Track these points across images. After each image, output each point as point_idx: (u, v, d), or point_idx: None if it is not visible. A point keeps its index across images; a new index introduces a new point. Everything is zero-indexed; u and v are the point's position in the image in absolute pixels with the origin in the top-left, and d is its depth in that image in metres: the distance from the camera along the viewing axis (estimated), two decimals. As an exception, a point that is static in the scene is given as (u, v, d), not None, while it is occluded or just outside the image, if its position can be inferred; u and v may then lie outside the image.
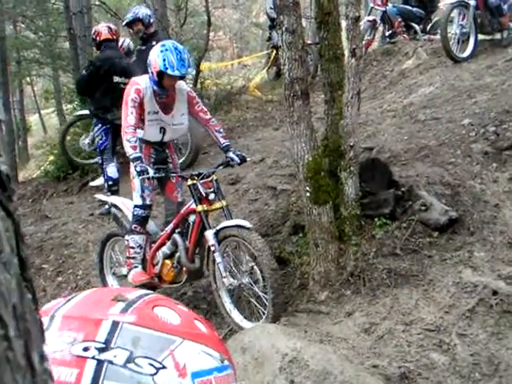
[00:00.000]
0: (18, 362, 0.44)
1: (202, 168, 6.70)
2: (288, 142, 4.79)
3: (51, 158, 9.99)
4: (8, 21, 16.30)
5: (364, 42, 9.50)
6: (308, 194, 4.39)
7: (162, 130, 4.69)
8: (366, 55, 9.90)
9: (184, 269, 4.67)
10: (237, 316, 4.42)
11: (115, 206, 5.17)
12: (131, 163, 4.45)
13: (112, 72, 7.32)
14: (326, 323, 3.94)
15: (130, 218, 4.83)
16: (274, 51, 11.71)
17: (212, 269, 4.47)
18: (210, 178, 4.47)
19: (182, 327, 0.82)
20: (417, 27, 10.14)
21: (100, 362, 0.75)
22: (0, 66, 13.47)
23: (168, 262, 4.77)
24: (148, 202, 4.74)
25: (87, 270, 6.20)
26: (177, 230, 4.68)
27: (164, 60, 4.39)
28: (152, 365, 0.76)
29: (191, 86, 9.87)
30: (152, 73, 4.48)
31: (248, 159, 4.97)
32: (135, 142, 4.41)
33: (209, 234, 4.34)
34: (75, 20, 10.51)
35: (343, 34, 4.74)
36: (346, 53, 4.56)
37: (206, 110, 4.89)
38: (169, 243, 4.74)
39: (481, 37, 8.49)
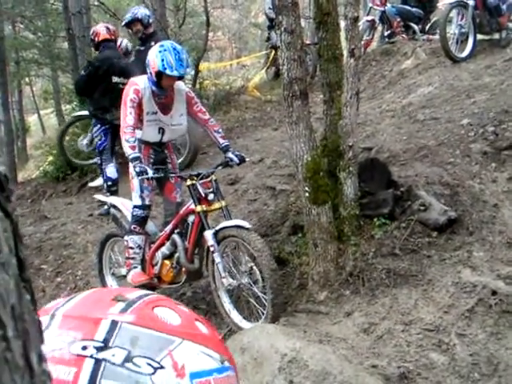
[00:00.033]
0: (17, 362, 0.44)
1: (201, 168, 6.69)
2: (287, 142, 4.79)
3: (50, 158, 9.99)
4: (7, 21, 16.29)
5: (363, 42, 9.50)
6: (307, 194, 4.39)
7: (161, 131, 4.69)
8: (365, 55, 9.91)
9: (183, 269, 4.67)
10: (236, 316, 4.42)
11: (114, 207, 5.17)
12: (130, 163, 4.45)
13: (111, 72, 7.33)
14: (325, 323, 3.94)
15: (129, 218, 4.83)
16: (273, 51, 11.72)
17: (211, 269, 4.47)
18: (209, 179, 4.47)
19: (181, 328, 0.82)
20: (416, 27, 10.15)
21: (98, 361, 0.75)
22: (-1, 66, 13.47)
23: (167, 262, 4.77)
24: (147, 203, 4.74)
25: (86, 271, 6.19)
26: (176, 231, 4.68)
27: (162, 60, 4.39)
28: (150, 364, 0.76)
29: (190, 86, 9.87)
30: (150, 73, 4.48)
31: (247, 159, 4.98)
32: (134, 142, 4.41)
33: (208, 235, 4.34)
34: (74, 20, 10.50)
35: (342, 34, 4.74)
36: (345, 53, 4.56)
37: (204, 110, 4.89)
38: (168, 244, 4.74)
39: (479, 37, 8.50)
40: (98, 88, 7.37)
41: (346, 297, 4.17)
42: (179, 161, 6.34)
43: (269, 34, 12.54)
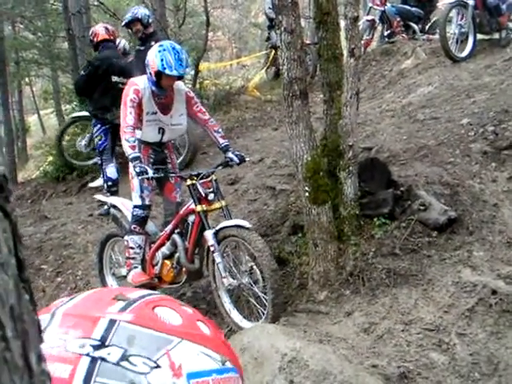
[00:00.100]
0: (16, 362, 0.44)
1: (201, 168, 6.70)
2: (287, 141, 4.79)
3: (50, 158, 9.99)
4: (7, 21, 16.30)
5: (363, 42, 9.50)
6: (307, 194, 4.39)
7: (161, 131, 4.69)
8: (365, 55, 9.91)
9: (183, 269, 4.67)
10: (236, 316, 4.42)
11: (114, 207, 5.17)
12: (130, 163, 4.45)
13: (110, 72, 7.33)
14: (325, 323, 3.94)
15: (130, 218, 4.83)
16: (273, 51, 11.72)
17: (211, 269, 4.47)
18: (209, 178, 4.47)
19: (182, 328, 0.82)
20: (415, 27, 10.15)
21: (94, 359, 0.75)
22: (-1, 66, 13.47)
23: (167, 262, 4.77)
24: (147, 203, 4.74)
25: (86, 271, 6.19)
26: (176, 231, 4.68)
27: (162, 60, 4.39)
28: (146, 363, 0.76)
29: (190, 86, 9.87)
30: (150, 73, 4.48)
31: (247, 159, 4.98)
32: (134, 141, 4.41)
33: (208, 234, 4.34)
34: (74, 20, 10.50)
35: (342, 34, 4.74)
36: (345, 53, 4.56)
37: (204, 110, 4.89)
38: (168, 243, 4.74)
39: (479, 36, 8.50)
40: (98, 88, 7.38)
41: (346, 296, 4.16)
42: (179, 160, 6.35)
43: (269, 33, 12.54)
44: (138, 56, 7.30)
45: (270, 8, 11.12)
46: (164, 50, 4.44)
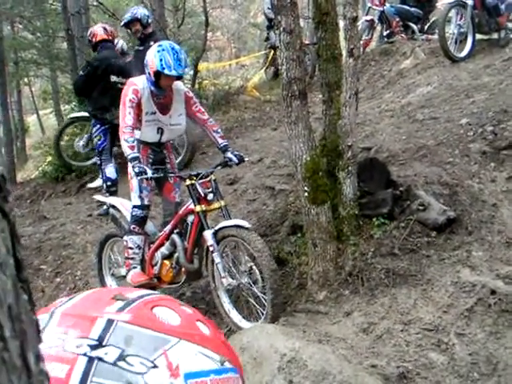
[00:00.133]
0: (14, 362, 0.44)
1: (201, 168, 6.70)
2: (286, 142, 4.78)
3: (49, 158, 9.99)
4: (6, 21, 16.29)
5: (362, 42, 9.51)
6: (306, 194, 4.39)
7: (160, 131, 4.69)
8: (364, 55, 9.92)
9: (183, 269, 4.67)
10: (235, 316, 4.42)
11: (113, 207, 5.17)
12: (129, 163, 4.45)
13: (109, 71, 7.34)
14: (324, 323, 3.94)
15: (129, 218, 4.83)
16: (272, 51, 11.72)
17: (211, 269, 4.47)
18: (208, 178, 4.47)
19: (180, 328, 0.82)
20: (414, 27, 10.16)
21: (91, 359, 0.75)
22: (-2, 66, 13.45)
23: (167, 262, 4.77)
24: (146, 203, 4.74)
25: (86, 271, 6.19)
26: (175, 231, 4.68)
27: (161, 60, 4.39)
28: (143, 363, 0.76)
29: (189, 86, 9.87)
30: (149, 73, 4.48)
31: (246, 159, 4.98)
32: (133, 142, 4.41)
33: (207, 234, 4.34)
34: (73, 21, 10.51)
35: (341, 34, 4.74)
36: (344, 53, 4.56)
37: (203, 110, 4.89)
38: (167, 244, 4.74)
39: (478, 36, 8.50)
40: (97, 88, 7.39)
41: (345, 296, 4.16)
42: (177, 160, 6.36)
43: (268, 33, 12.55)
44: (136, 56, 7.30)
45: (269, 8, 11.12)
46: (163, 49, 4.44)
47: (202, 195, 4.40)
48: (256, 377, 3.07)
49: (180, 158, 7.65)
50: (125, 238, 4.83)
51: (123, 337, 0.77)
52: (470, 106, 5.97)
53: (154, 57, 4.44)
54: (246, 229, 4.24)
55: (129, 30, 7.94)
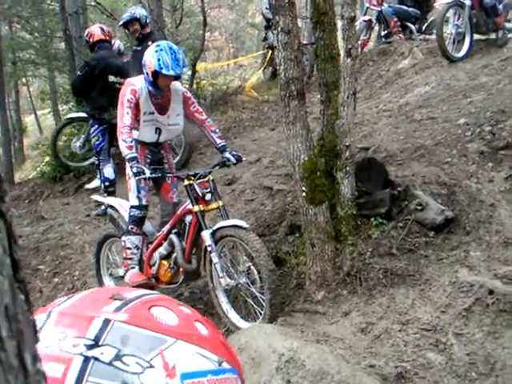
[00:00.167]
0: (11, 362, 0.44)
1: (198, 168, 6.70)
2: (284, 142, 4.78)
3: (47, 158, 9.98)
4: (3, 21, 16.28)
5: (360, 42, 9.53)
6: (304, 194, 4.39)
7: (158, 131, 4.69)
8: (362, 55, 9.93)
9: (181, 269, 4.67)
10: (233, 316, 4.42)
11: (112, 207, 5.16)
12: (127, 163, 4.45)
13: (107, 71, 7.34)
14: (322, 323, 3.94)
15: (127, 218, 4.83)
16: (270, 51, 11.73)
17: (209, 269, 4.46)
18: (206, 179, 4.48)
19: (178, 328, 0.82)
20: (412, 27, 10.17)
21: (87, 359, 0.75)
22: (-4, 66, 13.42)
23: (165, 262, 4.77)
24: (144, 203, 4.74)
25: (84, 271, 6.19)
26: (173, 231, 4.67)
27: (159, 60, 4.39)
28: (139, 363, 0.75)
29: (187, 86, 9.87)
30: (147, 73, 4.48)
31: (244, 159, 4.98)
32: (131, 142, 4.40)
33: (205, 235, 4.34)
34: (71, 21, 10.49)
35: (339, 34, 4.74)
36: (342, 53, 4.56)
37: (201, 110, 4.89)
38: (165, 244, 4.74)
39: (476, 37, 8.52)
40: (95, 87, 7.39)
41: (343, 296, 4.17)
42: (175, 160, 6.35)
43: (266, 34, 12.56)
44: (134, 56, 7.30)
45: (267, 8, 11.13)
46: (161, 49, 4.44)
47: (200, 195, 4.40)
48: (254, 377, 3.07)
49: (178, 158, 7.64)
50: (123, 238, 4.83)
51: (120, 336, 0.77)
52: (467, 106, 5.98)
53: (151, 57, 4.43)
54: (244, 229, 4.24)
55: (126, 30, 7.92)
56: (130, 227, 4.76)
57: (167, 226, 4.71)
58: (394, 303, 3.87)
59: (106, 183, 7.34)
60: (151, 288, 4.64)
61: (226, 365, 0.84)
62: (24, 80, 22.46)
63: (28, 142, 21.94)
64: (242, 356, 3.15)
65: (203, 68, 13.36)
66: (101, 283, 5.39)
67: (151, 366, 0.76)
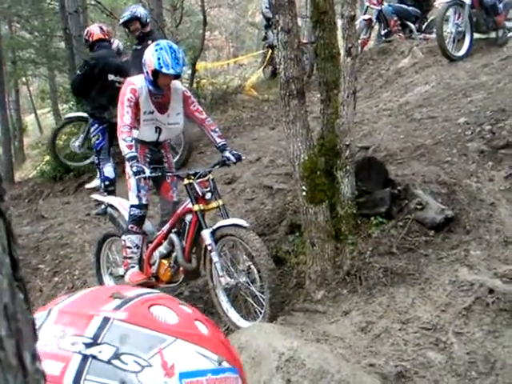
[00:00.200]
0: (10, 361, 0.44)
1: (198, 167, 6.70)
2: (284, 141, 4.78)
3: (47, 158, 9.99)
4: (3, 21, 16.28)
5: (360, 41, 9.52)
6: (304, 193, 4.39)
7: (158, 130, 4.69)
8: (362, 54, 9.92)
9: (181, 268, 4.67)
10: (233, 315, 4.42)
11: (112, 206, 5.16)
12: (127, 163, 4.45)
13: (107, 70, 7.34)
14: (322, 322, 3.94)
15: (127, 217, 4.83)
16: (270, 50, 11.73)
17: (209, 268, 4.47)
18: (206, 178, 4.48)
19: (177, 327, 0.82)
20: (412, 26, 10.16)
21: (85, 357, 0.75)
22: (-5, 66, 13.41)
23: (165, 261, 4.77)
24: (144, 202, 4.74)
25: (84, 270, 6.19)
26: (173, 230, 4.67)
27: (159, 59, 4.39)
28: (137, 362, 0.75)
29: (187, 85, 9.87)
30: (147, 72, 4.48)
31: (243, 158, 4.98)
32: (131, 141, 4.40)
33: (205, 234, 4.34)
34: (71, 20, 10.49)
35: (339, 33, 4.74)
36: (342, 52, 4.56)
37: (201, 109, 4.89)
38: (165, 243, 4.74)
39: (476, 36, 8.51)
40: (95, 87, 7.39)
41: (343, 296, 4.17)
42: (175, 160, 6.35)
43: (266, 33, 12.56)
44: (134, 55, 7.30)
45: (266, 7, 11.14)
46: (161, 48, 4.44)
47: (200, 194, 4.40)
48: (254, 376, 3.07)
49: (177, 157, 7.65)
50: (123, 237, 4.83)
51: (118, 335, 0.77)
52: (467, 105, 5.98)
53: (151, 56, 4.43)
54: (244, 228, 4.24)
55: (126, 29, 7.91)
56: (129, 226, 4.76)
57: (167, 225, 4.71)
58: (393, 302, 3.87)
59: (106, 182, 7.34)
60: (151, 287, 4.65)
61: (226, 364, 0.84)
62: (24, 79, 22.46)
63: (28, 141, 21.95)
64: (242, 355, 3.15)
65: (203, 67, 13.36)
66: (101, 282, 5.39)
67: (150, 365, 0.76)
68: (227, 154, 4.74)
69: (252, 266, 4.29)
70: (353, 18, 4.45)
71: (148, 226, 4.95)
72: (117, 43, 8.68)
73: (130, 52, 8.10)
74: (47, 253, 6.81)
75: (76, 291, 0.91)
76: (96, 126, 7.46)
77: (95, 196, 5.92)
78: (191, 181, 4.43)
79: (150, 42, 6.05)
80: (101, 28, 7.75)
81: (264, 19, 12.63)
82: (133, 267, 4.83)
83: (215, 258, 4.30)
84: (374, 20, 10.29)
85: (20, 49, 16.87)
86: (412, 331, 3.57)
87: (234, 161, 4.74)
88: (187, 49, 11.33)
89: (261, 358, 3.14)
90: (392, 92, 8.26)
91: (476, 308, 3.60)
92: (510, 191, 4.60)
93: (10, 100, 20.44)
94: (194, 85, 10.94)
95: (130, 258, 4.81)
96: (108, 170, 7.37)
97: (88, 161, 8.72)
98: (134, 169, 4.28)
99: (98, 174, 7.75)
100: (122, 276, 4.98)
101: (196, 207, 4.41)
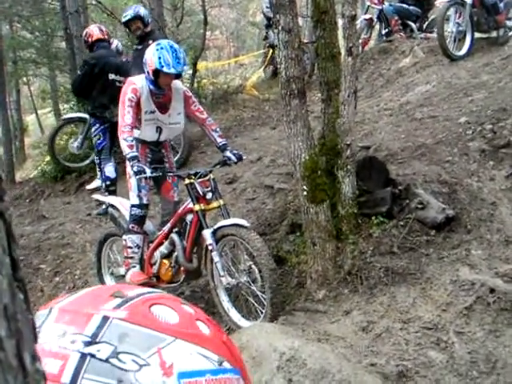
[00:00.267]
0: (10, 362, 0.44)
1: (199, 167, 6.70)
2: (285, 140, 4.78)
3: (48, 158, 9.98)
4: (4, 21, 16.25)
5: (360, 41, 9.52)
6: (305, 193, 4.39)
7: (159, 130, 4.69)
8: (363, 54, 9.92)
9: (182, 268, 4.67)
10: (234, 315, 4.42)
11: (112, 206, 5.17)
12: (127, 162, 4.45)
13: (107, 69, 7.34)
14: (323, 322, 3.93)
15: (128, 217, 4.83)
16: (271, 50, 11.74)
17: (210, 268, 4.47)
18: (207, 177, 4.48)
19: (177, 327, 0.82)
20: (413, 25, 10.15)
21: (83, 356, 0.75)
22: (-4, 66, 13.41)
23: (166, 261, 4.77)
24: (145, 202, 4.74)
25: (85, 270, 6.19)
26: (174, 230, 4.67)
27: (159, 58, 4.39)
28: (135, 361, 0.75)
29: (188, 85, 9.87)
30: (148, 72, 4.48)
31: (244, 158, 4.99)
32: (132, 141, 4.41)
33: (206, 233, 4.34)
34: (71, 20, 10.48)
35: (340, 33, 4.74)
36: (343, 51, 4.55)
37: (202, 109, 4.89)
38: (166, 243, 4.74)
39: (477, 35, 8.50)
40: (96, 86, 7.39)
41: (344, 295, 4.16)
42: (175, 159, 6.35)
43: (266, 32, 12.56)
44: (135, 55, 7.30)
45: (267, 7, 11.13)
46: (162, 48, 4.44)
47: (201, 194, 4.40)
48: (255, 376, 3.06)
49: (177, 157, 7.65)
50: (124, 237, 4.83)
51: (117, 334, 0.77)
52: (468, 105, 5.97)
53: (152, 55, 4.43)
54: (245, 228, 4.24)
55: (127, 29, 7.91)
56: (130, 226, 4.76)
57: (168, 225, 4.71)
58: (395, 302, 3.87)
59: (108, 182, 7.34)
60: (152, 287, 4.64)
61: (226, 365, 0.84)
62: (25, 79, 22.47)
63: (29, 141, 21.93)
64: (243, 355, 3.15)
65: (204, 67, 13.36)
66: (102, 282, 5.39)
67: (148, 364, 0.76)
68: (228, 153, 4.74)
69: (253, 266, 4.29)
70: (354, 18, 4.45)
71: (149, 225, 4.95)
72: (116, 43, 8.68)
73: (131, 52, 8.10)
74: (48, 253, 6.82)
75: (77, 291, 0.92)
76: (97, 125, 7.46)
77: (96, 196, 5.93)
78: (192, 180, 4.43)
79: (150, 41, 6.04)
80: (100, 28, 7.75)
81: (265, 19, 12.62)
82: (134, 267, 4.83)
83: (216, 258, 4.30)
84: (375, 19, 10.29)
85: (21, 49, 16.86)
86: (413, 331, 3.57)
87: (235, 160, 4.74)
88: (188, 48, 11.33)
89: (262, 358, 3.14)
90: (393, 91, 8.26)
91: (477, 307, 3.60)
92: (510, 190, 4.60)
93: (11, 100, 20.46)
94: (195, 84, 10.94)
95: (131, 257, 4.81)
96: (109, 169, 7.37)
97: (87, 161, 8.72)
98: (135, 169, 4.28)
99: (99, 174, 7.75)
100: (123, 276, 4.98)
101: (197, 207, 4.41)
